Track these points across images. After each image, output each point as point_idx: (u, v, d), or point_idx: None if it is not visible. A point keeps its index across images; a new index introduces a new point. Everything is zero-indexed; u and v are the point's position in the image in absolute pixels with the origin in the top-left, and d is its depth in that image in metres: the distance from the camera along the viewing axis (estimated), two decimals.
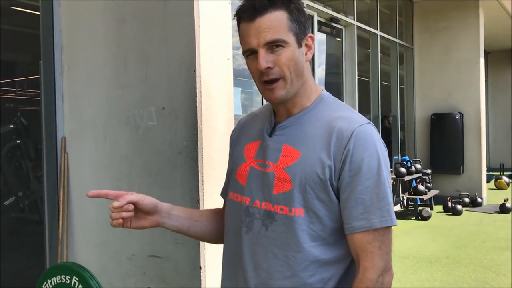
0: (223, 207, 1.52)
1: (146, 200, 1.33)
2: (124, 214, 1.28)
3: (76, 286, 1.51)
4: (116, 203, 1.26)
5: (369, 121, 1.26)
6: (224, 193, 1.51)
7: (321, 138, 1.22)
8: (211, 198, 2.50)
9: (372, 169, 1.18)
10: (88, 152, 2.97)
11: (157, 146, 2.63)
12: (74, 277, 1.52)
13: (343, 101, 6.01)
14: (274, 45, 1.19)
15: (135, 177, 2.74)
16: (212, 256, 2.46)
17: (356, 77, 7.28)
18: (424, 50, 9.41)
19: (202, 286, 2.46)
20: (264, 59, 1.20)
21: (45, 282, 1.59)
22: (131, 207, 1.29)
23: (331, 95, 1.35)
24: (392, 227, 1.21)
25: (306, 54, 1.26)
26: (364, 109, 7.88)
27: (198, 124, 2.46)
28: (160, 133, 2.61)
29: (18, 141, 4.09)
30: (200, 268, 2.45)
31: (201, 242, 2.44)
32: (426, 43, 9.38)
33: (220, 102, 2.61)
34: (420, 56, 9.48)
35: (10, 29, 4.18)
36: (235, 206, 1.35)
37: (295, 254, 1.22)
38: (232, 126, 2.69)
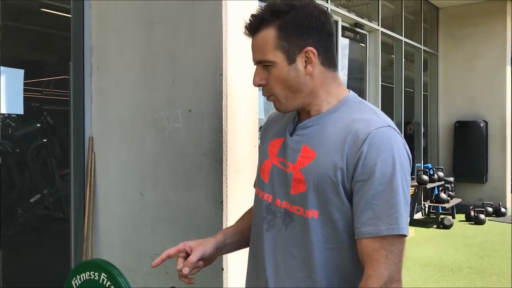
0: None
1: (208, 250, 1.37)
2: (195, 271, 1.34)
3: (104, 282, 1.54)
4: (186, 270, 1.31)
5: (390, 124, 1.22)
6: (255, 185, 1.53)
7: (338, 140, 1.20)
8: (235, 200, 2.52)
9: (385, 174, 1.14)
10: (115, 152, 3.03)
11: (183, 148, 2.67)
12: (102, 274, 1.56)
13: None
14: (263, 64, 1.24)
15: (160, 177, 2.79)
16: (234, 257, 2.48)
17: (380, 82, 7.24)
18: (449, 57, 9.31)
19: (224, 287, 2.48)
20: (258, 76, 1.26)
21: (74, 278, 1.63)
22: (201, 263, 1.36)
23: (357, 96, 1.32)
24: (405, 237, 1.16)
25: (306, 67, 1.23)
26: (387, 115, 7.79)
27: (223, 127, 2.49)
28: (185, 135, 2.65)
29: (44, 140, 4.16)
30: (222, 269, 2.47)
31: None
32: (451, 50, 9.28)
33: (245, 106, 2.63)
34: (445, 63, 9.38)
35: (37, 30, 4.27)
36: (258, 202, 1.36)
37: (310, 255, 1.22)
38: (256, 129, 2.71)
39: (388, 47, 7.96)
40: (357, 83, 7.43)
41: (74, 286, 1.66)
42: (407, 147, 1.22)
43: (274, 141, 1.35)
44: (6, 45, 3.52)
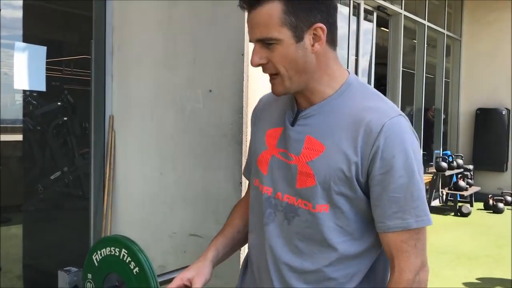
0: (247, 191, 1.46)
1: (207, 276, 1.34)
2: None
3: (125, 258, 1.56)
4: None
5: (401, 112, 1.17)
6: (247, 173, 1.44)
7: (348, 131, 1.13)
8: None
9: (404, 166, 1.11)
10: (135, 131, 3.05)
11: (203, 128, 2.67)
12: (123, 250, 1.57)
13: (386, 92, 5.85)
14: (266, 42, 1.12)
15: (179, 157, 2.80)
16: None
17: (401, 68, 7.14)
18: (473, 43, 9.12)
19: (240, 267, 2.49)
20: (258, 55, 1.15)
21: (95, 253, 1.65)
22: None
23: (358, 79, 1.23)
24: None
25: (313, 45, 1.13)
26: (407, 101, 7.74)
27: (243, 108, 2.48)
28: (205, 115, 2.65)
29: (65, 118, 4.20)
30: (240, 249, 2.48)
31: None
32: (475, 35, 9.08)
33: (267, 87, 2.60)
34: (468, 49, 9.20)
35: (58, 9, 4.28)
36: (257, 194, 1.29)
37: (321, 248, 1.18)
38: None
39: (409, 31, 7.83)
40: (377, 68, 7.32)
41: (95, 261, 1.68)
42: (415, 132, 1.19)
43: (272, 130, 1.27)
44: (28, 23, 3.54)
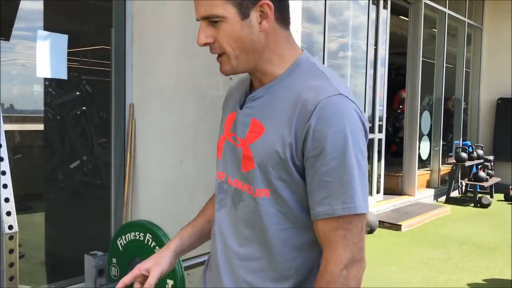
0: None
1: (165, 267, 1.28)
2: None
3: (149, 243, 1.56)
4: None
5: (342, 91, 1.07)
6: None
7: (287, 112, 1.08)
8: None
9: (338, 148, 1.03)
10: (155, 119, 3.05)
11: None
12: (148, 234, 1.57)
13: (405, 82, 5.72)
14: (211, 20, 1.08)
15: (199, 145, 2.80)
16: None
17: (420, 57, 7.04)
18: (494, 31, 8.95)
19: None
20: (204, 34, 1.10)
21: (120, 238, 1.66)
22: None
23: (310, 58, 1.17)
24: (364, 214, 1.06)
25: (260, 23, 1.08)
26: (427, 90, 7.63)
27: None
28: None
29: (84, 108, 4.22)
30: None
31: None
32: (497, 24, 8.91)
33: None
34: (489, 37, 9.03)
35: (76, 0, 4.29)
36: (215, 179, 1.27)
37: (263, 235, 1.13)
38: None
39: (429, 20, 7.71)
40: (397, 57, 7.24)
41: (119, 246, 1.69)
42: (362, 114, 1.10)
43: (230, 115, 1.23)
44: (47, 14, 3.55)
